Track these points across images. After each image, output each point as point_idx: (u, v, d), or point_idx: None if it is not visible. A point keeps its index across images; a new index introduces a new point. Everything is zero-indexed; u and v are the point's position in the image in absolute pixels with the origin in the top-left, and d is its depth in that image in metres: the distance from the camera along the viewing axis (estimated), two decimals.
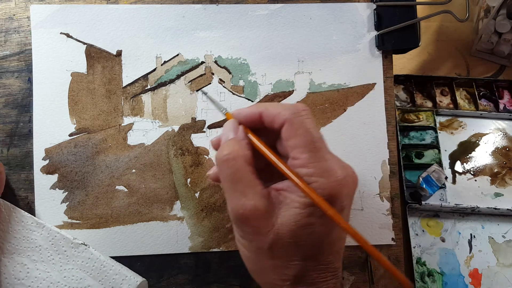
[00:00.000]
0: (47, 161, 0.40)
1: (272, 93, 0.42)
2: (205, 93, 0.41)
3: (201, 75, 0.42)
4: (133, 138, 0.41)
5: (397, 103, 0.55)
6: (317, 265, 0.30)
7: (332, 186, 0.28)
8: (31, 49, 0.41)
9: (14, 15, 0.41)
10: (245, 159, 0.30)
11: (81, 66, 0.41)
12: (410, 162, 0.51)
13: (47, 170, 0.40)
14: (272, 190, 0.30)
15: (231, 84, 0.42)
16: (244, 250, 0.31)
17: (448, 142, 0.53)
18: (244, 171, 0.30)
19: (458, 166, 0.52)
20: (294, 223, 0.28)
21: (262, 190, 0.29)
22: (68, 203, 0.40)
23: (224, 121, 0.35)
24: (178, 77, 0.42)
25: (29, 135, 0.40)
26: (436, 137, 0.52)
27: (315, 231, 0.29)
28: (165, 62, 0.42)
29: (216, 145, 0.34)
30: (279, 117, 0.30)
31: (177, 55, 0.42)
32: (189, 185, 0.41)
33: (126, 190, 0.40)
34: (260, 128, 0.32)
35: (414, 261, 0.47)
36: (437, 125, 0.53)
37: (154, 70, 0.42)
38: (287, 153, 0.30)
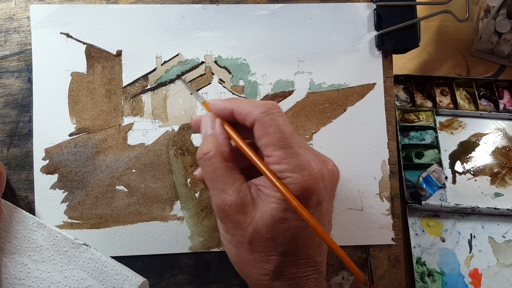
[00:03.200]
0: (47, 161, 0.40)
1: (272, 93, 0.42)
2: (184, 81, 0.41)
3: (201, 75, 0.42)
4: (133, 138, 0.41)
5: (397, 103, 0.55)
6: (296, 259, 0.30)
7: (306, 180, 0.28)
8: (31, 49, 0.41)
9: (14, 15, 0.41)
10: (223, 156, 0.30)
11: (81, 66, 0.41)
12: (410, 162, 0.51)
13: (47, 170, 0.40)
14: (253, 185, 0.31)
15: (231, 84, 0.42)
16: (227, 244, 0.32)
17: (448, 142, 0.53)
18: (223, 168, 0.30)
19: (458, 166, 0.52)
20: (270, 217, 0.29)
21: (241, 186, 0.30)
22: (68, 203, 0.40)
23: None
24: (178, 77, 0.42)
25: (29, 135, 0.40)
26: (436, 137, 0.52)
27: (291, 226, 0.29)
28: (165, 62, 0.42)
29: (195, 126, 0.34)
30: (250, 115, 0.30)
31: (177, 55, 0.42)
32: (189, 185, 0.41)
33: (126, 190, 0.40)
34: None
35: (414, 261, 0.47)
36: (437, 125, 0.53)
37: (154, 70, 0.42)
38: (261, 151, 0.30)
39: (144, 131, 0.41)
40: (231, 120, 0.32)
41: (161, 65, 0.42)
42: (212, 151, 0.30)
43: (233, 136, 0.31)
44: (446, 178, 0.51)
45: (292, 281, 0.30)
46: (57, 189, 0.40)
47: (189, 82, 0.42)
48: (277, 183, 0.28)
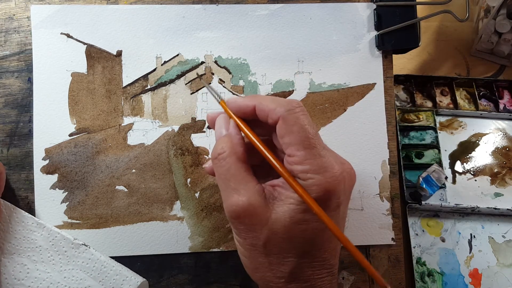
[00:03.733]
0: (47, 161, 0.40)
1: (272, 93, 0.42)
2: (200, 77, 0.41)
3: (201, 75, 0.42)
4: (133, 138, 0.41)
5: (397, 103, 0.55)
6: (312, 261, 0.30)
7: (328, 182, 0.28)
8: (31, 49, 0.41)
9: (14, 15, 0.41)
10: (237, 156, 0.30)
11: (81, 66, 0.41)
12: (410, 162, 0.51)
13: (47, 170, 0.40)
14: (267, 186, 0.30)
15: (231, 84, 0.42)
16: (239, 247, 0.32)
17: (448, 142, 0.53)
18: (237, 169, 0.30)
19: (458, 166, 0.52)
20: (288, 219, 0.28)
21: (255, 187, 0.30)
22: (68, 203, 0.40)
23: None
24: (178, 77, 0.42)
25: (29, 135, 0.40)
26: (436, 137, 0.52)
27: (310, 228, 0.29)
28: (165, 62, 0.42)
29: (211, 122, 0.34)
30: (274, 113, 0.29)
31: (177, 55, 0.42)
32: (189, 185, 0.41)
33: (126, 190, 0.40)
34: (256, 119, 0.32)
35: (414, 261, 0.47)
36: (437, 125, 0.53)
37: (154, 70, 0.42)
38: (283, 149, 0.30)
39: (144, 131, 0.41)
40: (250, 118, 0.31)
41: (161, 65, 0.42)
42: (227, 151, 0.30)
43: (250, 137, 0.31)
44: (446, 178, 0.51)
45: (307, 283, 0.30)
46: (57, 189, 0.40)
47: (189, 82, 0.42)
48: (297, 187, 0.28)
